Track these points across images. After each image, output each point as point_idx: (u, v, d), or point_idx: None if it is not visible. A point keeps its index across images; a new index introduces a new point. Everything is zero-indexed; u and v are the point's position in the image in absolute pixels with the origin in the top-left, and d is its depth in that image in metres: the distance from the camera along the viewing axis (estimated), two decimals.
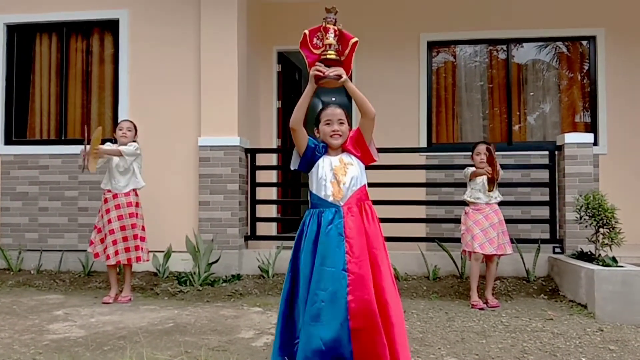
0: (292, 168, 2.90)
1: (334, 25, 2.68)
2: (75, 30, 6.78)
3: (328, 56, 2.67)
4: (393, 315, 2.63)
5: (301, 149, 2.82)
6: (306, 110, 2.79)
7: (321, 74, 2.68)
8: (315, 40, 2.71)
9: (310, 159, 2.83)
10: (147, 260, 5.25)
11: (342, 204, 2.72)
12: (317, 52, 2.71)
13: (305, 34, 2.71)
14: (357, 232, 2.68)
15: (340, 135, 2.80)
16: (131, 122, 5.28)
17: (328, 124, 2.81)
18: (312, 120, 2.94)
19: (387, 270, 2.72)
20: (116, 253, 4.99)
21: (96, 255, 5.11)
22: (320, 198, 2.76)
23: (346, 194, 2.74)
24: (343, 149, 2.85)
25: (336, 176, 2.75)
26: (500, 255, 4.89)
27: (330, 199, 2.73)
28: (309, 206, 2.85)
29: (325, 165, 2.79)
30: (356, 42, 2.70)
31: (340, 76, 2.68)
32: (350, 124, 2.87)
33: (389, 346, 2.57)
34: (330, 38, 2.65)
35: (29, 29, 6.82)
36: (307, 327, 2.60)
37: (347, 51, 2.70)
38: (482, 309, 4.67)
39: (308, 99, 2.77)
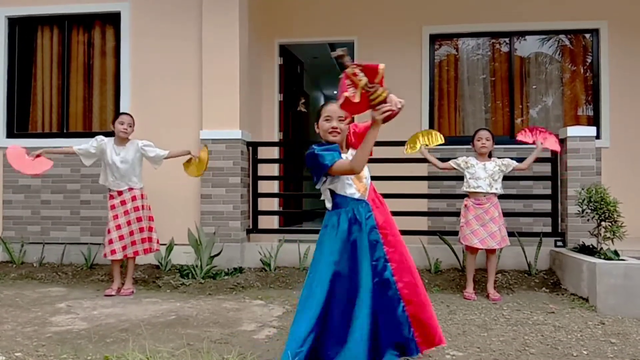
0: (317, 187, 2.91)
1: (354, 64, 2.54)
2: (77, 22, 6.78)
3: (381, 97, 2.55)
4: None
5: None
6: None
7: (395, 111, 2.58)
8: (349, 89, 2.56)
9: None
10: (158, 250, 5.31)
11: (366, 197, 2.82)
12: (348, 94, 2.54)
13: (346, 97, 2.54)
14: (386, 222, 2.82)
15: (339, 133, 2.81)
16: (130, 115, 5.24)
17: (328, 120, 2.81)
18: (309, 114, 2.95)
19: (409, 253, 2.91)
20: (123, 248, 5.00)
21: (112, 251, 4.99)
22: (344, 197, 2.79)
23: (367, 187, 2.84)
24: (352, 146, 2.88)
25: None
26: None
27: (357, 196, 2.79)
28: (331, 207, 2.86)
29: None
30: (383, 67, 2.58)
31: (401, 107, 2.61)
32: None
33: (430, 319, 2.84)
34: (362, 77, 2.52)
35: (30, 22, 6.81)
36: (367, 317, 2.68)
37: (377, 79, 2.57)
38: (473, 299, 4.78)
39: (373, 143, 2.67)
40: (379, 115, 2.57)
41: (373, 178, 2.94)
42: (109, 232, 5.02)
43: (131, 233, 5.04)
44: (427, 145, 5.05)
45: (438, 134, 5.09)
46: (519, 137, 5.20)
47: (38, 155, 5.10)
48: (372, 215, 2.78)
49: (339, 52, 2.52)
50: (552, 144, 5.13)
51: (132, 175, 5.11)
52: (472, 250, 4.89)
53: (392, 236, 2.81)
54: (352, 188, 2.79)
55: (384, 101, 2.57)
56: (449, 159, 5.18)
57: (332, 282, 2.72)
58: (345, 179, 2.79)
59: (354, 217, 2.77)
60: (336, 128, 2.79)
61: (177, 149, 5.31)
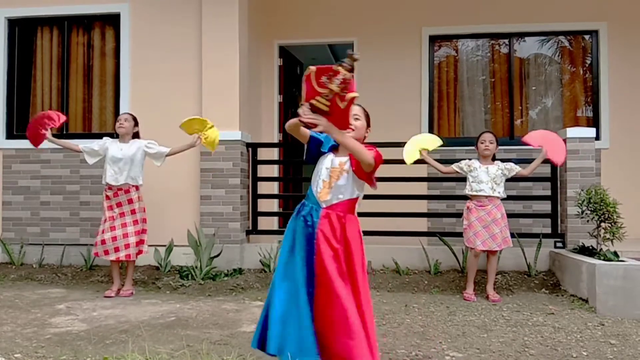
0: (304, 159, 2.91)
1: (348, 72, 2.41)
2: (77, 24, 6.78)
3: (318, 105, 2.46)
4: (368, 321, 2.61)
5: (304, 141, 2.83)
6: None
7: (301, 118, 2.49)
8: (323, 78, 2.44)
9: (315, 153, 2.83)
10: (147, 252, 5.25)
11: (323, 205, 2.70)
12: (321, 90, 2.45)
13: (311, 70, 2.45)
14: (329, 242, 2.64)
15: (353, 130, 2.74)
16: (130, 114, 5.31)
17: None
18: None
19: (365, 291, 2.67)
20: (116, 249, 4.99)
21: (106, 252, 5.03)
22: (311, 191, 2.77)
23: (331, 198, 2.69)
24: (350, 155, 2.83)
25: (330, 177, 2.71)
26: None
27: (317, 196, 2.72)
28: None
29: (325, 162, 2.78)
30: (355, 97, 2.48)
31: (315, 125, 2.48)
32: (368, 122, 2.84)
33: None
34: (335, 84, 2.41)
35: (30, 23, 6.81)
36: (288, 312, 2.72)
37: (342, 104, 2.46)
38: (473, 300, 4.80)
39: (293, 127, 2.66)
40: (299, 109, 2.50)
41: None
42: (103, 232, 5.03)
43: (125, 235, 5.02)
44: (427, 150, 5.03)
45: (433, 137, 5.08)
46: (526, 139, 5.03)
47: (43, 135, 5.23)
48: (317, 223, 2.66)
49: (356, 55, 2.42)
50: (556, 154, 4.94)
51: (132, 171, 5.11)
52: (477, 252, 4.88)
53: (331, 256, 2.62)
54: (318, 187, 2.72)
55: (316, 110, 2.47)
56: (449, 161, 5.18)
57: (281, 268, 2.84)
58: (317, 176, 2.76)
59: (302, 211, 2.74)
60: (350, 125, 2.73)
61: (178, 145, 5.28)
